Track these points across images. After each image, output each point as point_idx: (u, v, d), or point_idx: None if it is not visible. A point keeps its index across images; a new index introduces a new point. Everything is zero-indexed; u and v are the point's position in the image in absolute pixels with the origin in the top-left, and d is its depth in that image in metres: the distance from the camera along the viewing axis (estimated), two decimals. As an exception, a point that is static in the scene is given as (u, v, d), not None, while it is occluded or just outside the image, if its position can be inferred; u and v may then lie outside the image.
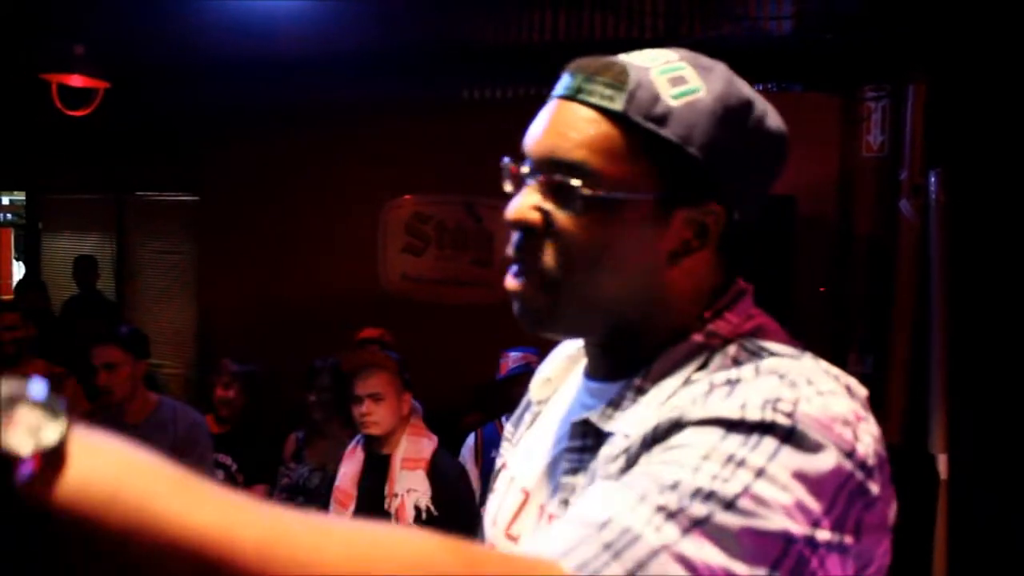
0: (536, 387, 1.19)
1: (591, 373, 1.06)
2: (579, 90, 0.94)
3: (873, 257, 5.00)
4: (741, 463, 0.76)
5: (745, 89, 0.95)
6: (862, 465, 0.80)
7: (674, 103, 0.91)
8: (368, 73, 5.59)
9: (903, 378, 4.80)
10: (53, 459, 0.55)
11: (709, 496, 0.74)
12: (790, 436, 0.78)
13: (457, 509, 3.32)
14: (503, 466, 1.18)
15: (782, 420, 0.79)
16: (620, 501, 0.76)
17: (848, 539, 0.78)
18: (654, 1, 5.13)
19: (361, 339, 4.97)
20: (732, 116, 0.92)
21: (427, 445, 3.44)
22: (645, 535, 0.73)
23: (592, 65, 0.94)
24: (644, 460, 0.83)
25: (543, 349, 1.25)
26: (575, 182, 0.91)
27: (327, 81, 5.70)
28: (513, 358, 4.21)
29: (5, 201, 11.07)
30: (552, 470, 1.02)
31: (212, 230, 6.92)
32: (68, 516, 0.55)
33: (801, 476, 0.76)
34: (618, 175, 0.91)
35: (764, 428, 0.78)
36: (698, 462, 0.77)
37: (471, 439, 4.18)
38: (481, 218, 6.13)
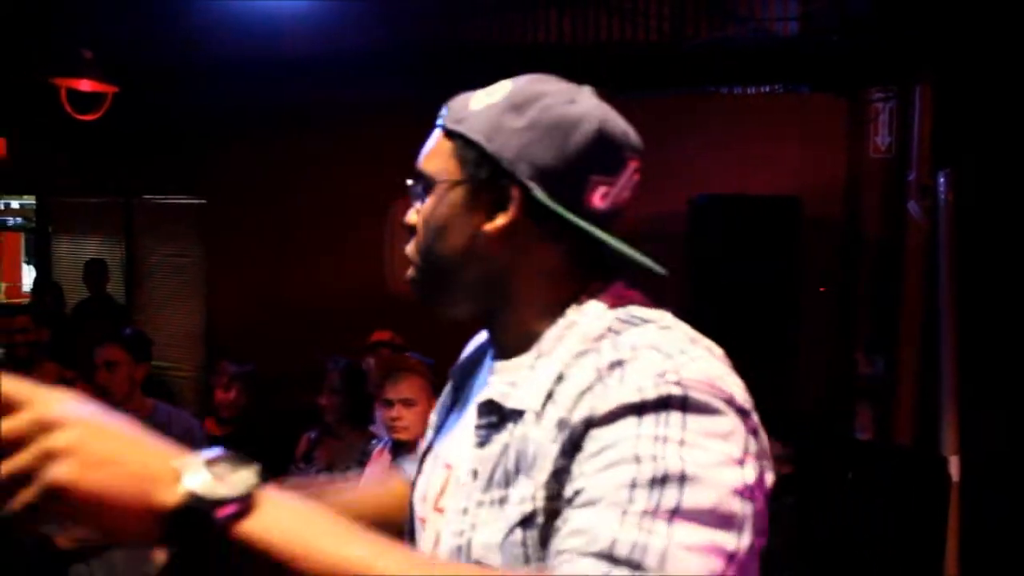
0: (455, 372, 1.35)
1: (494, 354, 1.21)
2: (438, 116, 1.17)
3: (881, 258, 4.99)
4: (665, 439, 0.90)
5: (540, 86, 1.12)
6: (741, 409, 0.96)
7: (474, 108, 1.12)
8: (372, 74, 5.60)
9: (913, 380, 4.80)
10: (246, 506, 0.75)
11: (664, 480, 0.88)
12: (686, 403, 0.92)
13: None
14: (428, 448, 1.29)
15: (675, 391, 0.93)
16: (608, 522, 0.87)
17: (759, 469, 0.94)
18: (659, 3, 5.12)
19: (373, 342, 4.97)
20: (516, 106, 1.10)
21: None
22: (651, 543, 0.85)
23: (450, 99, 1.17)
24: (587, 465, 0.93)
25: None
26: (418, 183, 1.16)
27: (331, 82, 5.72)
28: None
29: (15, 205, 11.12)
30: (466, 442, 1.13)
31: (219, 233, 6.94)
32: (251, 550, 0.75)
33: (712, 434, 0.91)
34: (439, 170, 1.13)
35: (663, 402, 0.92)
36: (634, 453, 0.90)
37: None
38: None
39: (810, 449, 4.86)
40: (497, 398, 1.08)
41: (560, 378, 1.02)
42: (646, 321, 1.05)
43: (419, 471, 1.29)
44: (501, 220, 1.10)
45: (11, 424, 0.72)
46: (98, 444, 0.73)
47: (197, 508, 0.72)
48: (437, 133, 1.17)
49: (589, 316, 1.08)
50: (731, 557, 0.87)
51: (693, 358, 0.97)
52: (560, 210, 1.07)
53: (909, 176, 4.66)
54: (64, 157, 7.66)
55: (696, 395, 0.93)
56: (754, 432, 0.96)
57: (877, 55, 4.70)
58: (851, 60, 4.82)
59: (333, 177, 6.26)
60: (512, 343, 1.14)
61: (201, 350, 7.30)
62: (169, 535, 0.74)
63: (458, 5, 5.49)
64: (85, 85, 5.31)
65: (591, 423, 0.94)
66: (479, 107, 1.12)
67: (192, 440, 3.69)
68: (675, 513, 0.86)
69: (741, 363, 1.07)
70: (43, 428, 0.72)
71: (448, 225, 1.13)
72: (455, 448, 1.18)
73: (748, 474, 0.92)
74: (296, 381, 4.77)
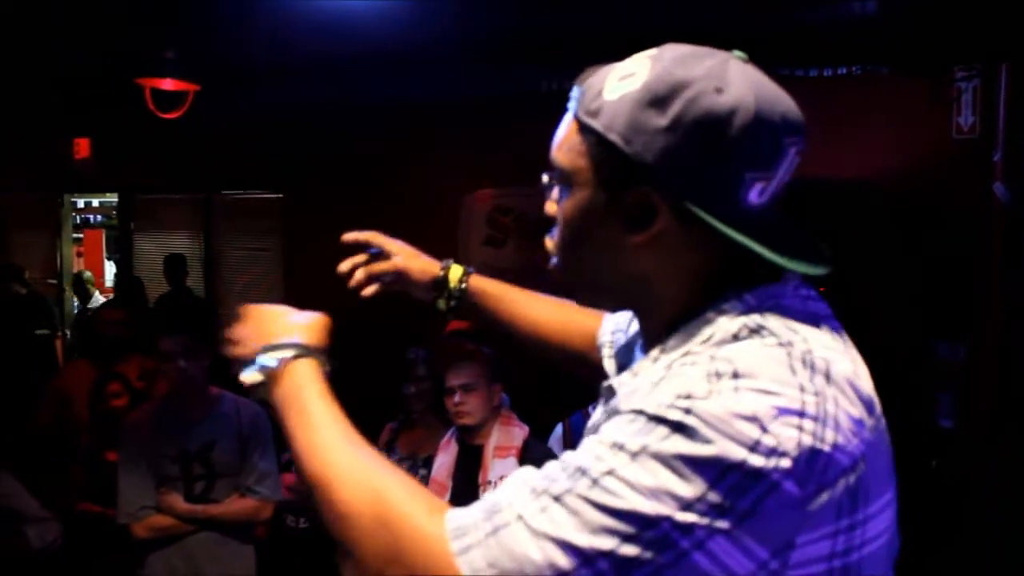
0: (619, 354, 1.42)
1: (642, 343, 1.18)
2: (568, 99, 1.08)
3: (963, 241, 4.90)
4: (621, 447, 0.87)
5: (683, 71, 0.98)
6: (760, 458, 0.84)
7: (609, 97, 1.00)
8: (448, 68, 5.65)
9: (996, 366, 4.70)
10: (273, 378, 1.23)
11: (583, 473, 0.87)
12: (679, 429, 0.85)
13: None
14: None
15: (675, 415, 0.86)
16: (513, 484, 0.93)
17: (727, 523, 0.83)
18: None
19: (450, 332, 5.02)
20: (658, 100, 0.97)
21: (518, 433, 3.49)
22: (510, 507, 0.89)
23: (580, 77, 1.07)
24: None
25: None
26: (552, 178, 1.11)
27: (408, 78, 5.77)
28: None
29: (95, 203, 11.42)
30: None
31: (297, 226, 7.06)
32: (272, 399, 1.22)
33: (670, 463, 0.84)
34: (573, 165, 1.04)
35: (657, 420, 0.87)
36: (593, 445, 0.90)
37: (559, 429, 4.21)
38: (562, 209, 6.16)
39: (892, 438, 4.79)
40: (616, 384, 1.05)
41: (664, 377, 0.94)
42: (769, 333, 0.95)
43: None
44: (646, 232, 1.00)
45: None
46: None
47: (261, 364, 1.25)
48: (568, 119, 1.07)
49: (721, 319, 0.98)
50: (587, 561, 0.84)
51: (737, 388, 0.87)
52: (711, 220, 0.96)
53: (995, 157, 4.56)
54: (145, 155, 7.85)
55: (696, 427, 0.85)
56: (757, 482, 0.84)
57: (959, 34, 4.60)
58: (931, 40, 4.72)
59: (408, 170, 6.33)
60: (652, 335, 1.09)
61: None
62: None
63: (524, 5, 5.50)
64: (168, 84, 5.46)
65: (616, 411, 0.94)
66: (614, 95, 0.99)
67: (261, 425, 3.77)
68: (557, 499, 0.87)
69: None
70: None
71: (587, 231, 1.06)
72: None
73: (685, 519, 0.83)
74: (375, 372, 4.84)
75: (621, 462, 0.86)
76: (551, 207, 1.14)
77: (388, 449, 4.31)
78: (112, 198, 10.06)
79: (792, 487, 0.84)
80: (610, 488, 0.85)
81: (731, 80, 0.98)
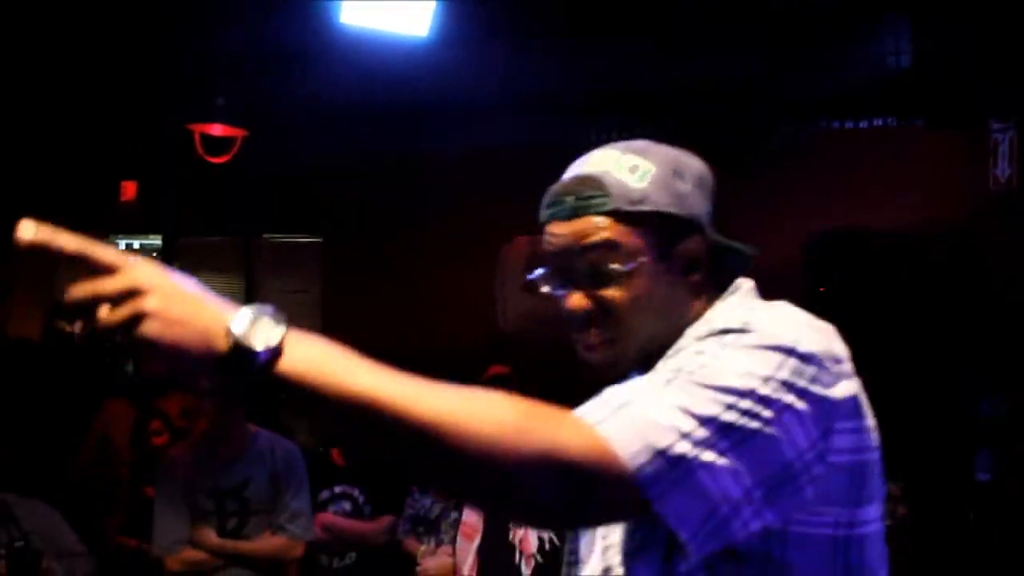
0: None
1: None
2: (576, 208, 1.24)
3: (1003, 293, 4.87)
4: (701, 352, 1.09)
5: (670, 151, 1.28)
6: (805, 348, 1.08)
7: (641, 185, 1.23)
8: (491, 118, 5.75)
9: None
10: (277, 349, 0.93)
11: (677, 371, 1.06)
12: (743, 331, 1.09)
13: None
14: None
15: (736, 325, 1.10)
16: (614, 388, 1.08)
17: (793, 399, 1.05)
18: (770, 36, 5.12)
19: (488, 376, 5.05)
20: (677, 173, 1.25)
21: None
22: (626, 394, 1.05)
23: (572, 186, 1.26)
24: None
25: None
26: (605, 266, 1.22)
27: (447, 127, 5.88)
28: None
29: (137, 245, 11.61)
30: None
31: (337, 270, 7.16)
32: (282, 381, 0.93)
33: (748, 351, 1.07)
34: (629, 250, 1.22)
35: (723, 331, 1.11)
36: (673, 363, 1.10)
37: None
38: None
39: (927, 491, 4.74)
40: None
41: (676, 350, 1.20)
42: (760, 307, 1.21)
43: None
44: (699, 274, 1.26)
45: (113, 284, 0.92)
46: (176, 307, 0.92)
47: (241, 351, 0.91)
48: (600, 219, 1.23)
49: (720, 310, 1.25)
50: (702, 423, 1.01)
51: (774, 318, 1.13)
52: (737, 245, 1.27)
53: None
54: (189, 199, 8.01)
55: (755, 330, 1.09)
56: (806, 369, 1.07)
57: (994, 86, 4.61)
58: (966, 92, 4.74)
59: (449, 216, 6.41)
60: (662, 352, 1.23)
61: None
62: (223, 373, 0.94)
63: (572, 54, 5.59)
64: (217, 130, 5.60)
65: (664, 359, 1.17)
66: (643, 183, 1.23)
67: (294, 463, 3.80)
68: (665, 384, 1.05)
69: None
70: (136, 291, 0.91)
71: (656, 294, 1.23)
72: None
73: (763, 391, 1.04)
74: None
75: (708, 358, 1.07)
76: (581, 302, 1.25)
77: (422, 491, 4.34)
78: (154, 240, 10.24)
79: (827, 377, 1.08)
80: (707, 373, 1.04)
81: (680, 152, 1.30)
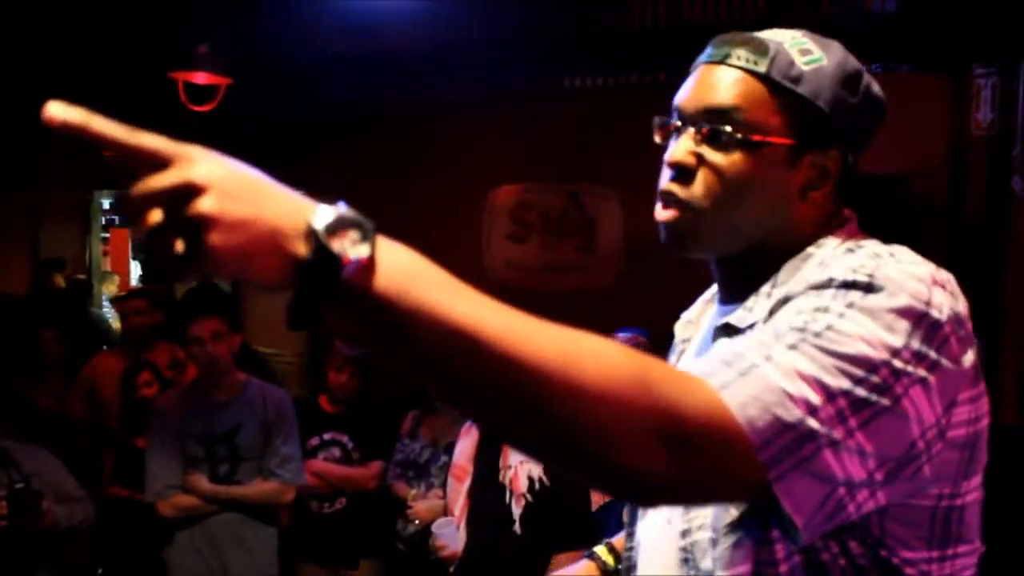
0: (680, 328, 1.40)
1: (723, 299, 1.27)
2: (727, 56, 1.15)
3: (984, 237, 4.91)
4: (826, 310, 0.97)
5: (856, 61, 1.18)
6: (936, 311, 0.98)
7: (805, 67, 1.13)
8: (471, 64, 5.72)
9: (1017, 360, 4.72)
10: (369, 260, 0.78)
11: (801, 330, 0.95)
12: (869, 288, 0.98)
13: (568, 478, 3.40)
14: None
15: (862, 278, 0.99)
16: (735, 345, 0.99)
17: (924, 371, 0.96)
18: (756, -17, 5.12)
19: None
20: (849, 80, 1.15)
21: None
22: (750, 355, 0.94)
23: (736, 38, 1.16)
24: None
25: (653, 331, 1.39)
26: (727, 127, 1.13)
27: (434, 75, 5.86)
28: (622, 339, 4.27)
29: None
30: None
31: (324, 222, 7.13)
32: (372, 300, 0.78)
33: (877, 315, 0.96)
34: (761, 123, 1.13)
35: (847, 285, 0.99)
36: (794, 316, 0.99)
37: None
38: (584, 206, 6.22)
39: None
40: (734, 321, 1.16)
41: (786, 299, 1.06)
42: (883, 254, 1.10)
43: None
44: (821, 189, 1.17)
45: (162, 181, 0.76)
46: (239, 207, 0.76)
47: (325, 257, 0.76)
48: (746, 77, 1.14)
49: (826, 247, 1.16)
50: (831, 397, 0.92)
51: (901, 262, 1.03)
52: (874, 181, 1.20)
53: (1014, 151, 4.58)
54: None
55: (883, 284, 0.98)
56: (935, 334, 0.98)
57: (978, 31, 4.62)
58: (951, 37, 4.75)
59: (434, 167, 6.40)
60: (750, 280, 1.18)
61: (304, 337, 7.52)
62: (299, 281, 0.77)
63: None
64: (201, 78, 5.56)
65: (786, 299, 1.05)
66: (808, 68, 1.14)
67: (285, 411, 3.87)
68: (791, 347, 0.94)
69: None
70: (190, 190, 0.75)
71: (766, 185, 1.15)
72: None
73: (897, 364, 0.95)
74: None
75: (834, 319, 0.96)
76: (688, 157, 1.16)
77: (411, 436, 4.39)
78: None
79: (955, 343, 1.00)
80: (834, 339, 0.94)
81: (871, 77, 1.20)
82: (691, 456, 0.88)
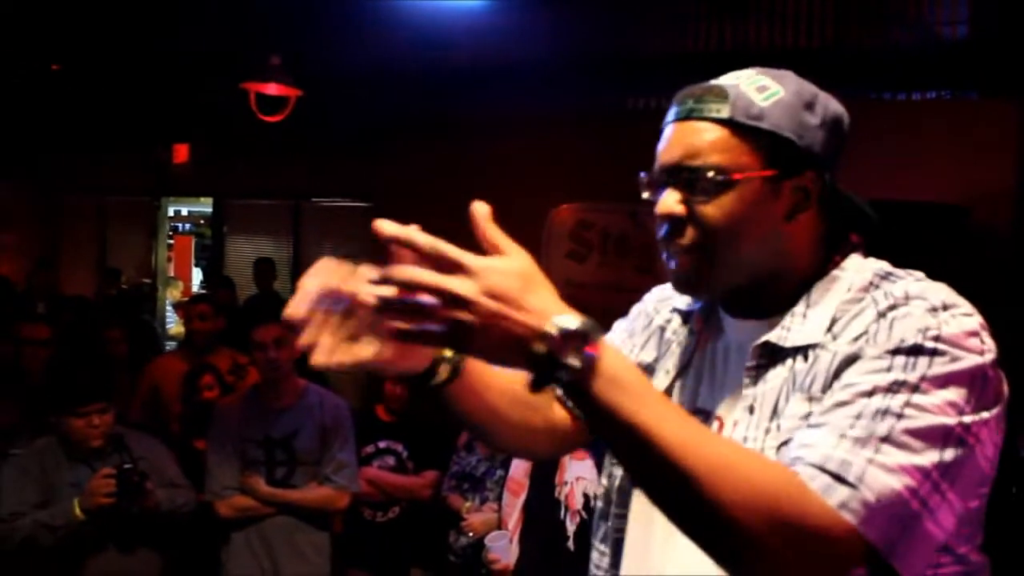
0: (652, 303, 1.51)
1: (735, 314, 1.33)
2: (691, 111, 1.23)
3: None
4: (903, 384, 1.08)
5: (811, 86, 1.26)
6: (990, 363, 1.11)
7: (764, 103, 1.21)
8: (536, 84, 5.76)
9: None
10: (590, 368, 0.98)
11: (884, 413, 1.06)
12: (935, 353, 1.08)
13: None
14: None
15: (929, 344, 1.09)
16: (827, 443, 1.07)
17: (986, 414, 1.09)
18: (822, 7, 5.09)
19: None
20: (808, 105, 1.23)
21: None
22: (854, 461, 1.04)
23: (695, 91, 1.24)
24: (836, 388, 1.13)
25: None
26: (708, 174, 1.20)
27: (498, 91, 5.90)
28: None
29: (185, 212, 11.78)
30: (733, 391, 1.29)
31: (384, 235, 7.21)
32: (584, 395, 0.99)
33: (945, 382, 1.07)
34: (736, 164, 1.20)
35: (916, 351, 1.09)
36: (872, 389, 1.08)
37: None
38: (644, 226, 6.21)
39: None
40: (774, 340, 1.23)
41: (835, 320, 1.19)
42: (903, 274, 1.21)
43: None
44: (806, 212, 1.24)
45: (450, 284, 0.98)
46: (498, 306, 0.97)
47: (551, 360, 0.97)
48: (712, 126, 1.21)
49: (850, 271, 1.24)
50: (927, 475, 1.04)
51: (955, 315, 1.12)
52: (857, 200, 1.28)
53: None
54: (240, 162, 8.12)
55: (948, 349, 1.08)
56: (987, 380, 1.10)
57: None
58: (1021, 64, 4.68)
59: (494, 183, 6.44)
60: (769, 302, 1.26)
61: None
62: (534, 371, 0.98)
63: (620, 16, 5.60)
64: (272, 89, 5.67)
65: (855, 359, 1.13)
66: (767, 103, 1.21)
67: (342, 418, 3.92)
68: (884, 440, 1.05)
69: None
70: (468, 302, 0.96)
71: (754, 218, 1.21)
72: (717, 401, 1.31)
73: (966, 419, 1.07)
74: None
75: (910, 395, 1.07)
76: (677, 207, 1.23)
77: (468, 449, 4.41)
78: (203, 207, 10.39)
79: (1001, 378, 1.13)
80: (915, 416, 1.06)
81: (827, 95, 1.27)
82: (821, 559, 1.04)
